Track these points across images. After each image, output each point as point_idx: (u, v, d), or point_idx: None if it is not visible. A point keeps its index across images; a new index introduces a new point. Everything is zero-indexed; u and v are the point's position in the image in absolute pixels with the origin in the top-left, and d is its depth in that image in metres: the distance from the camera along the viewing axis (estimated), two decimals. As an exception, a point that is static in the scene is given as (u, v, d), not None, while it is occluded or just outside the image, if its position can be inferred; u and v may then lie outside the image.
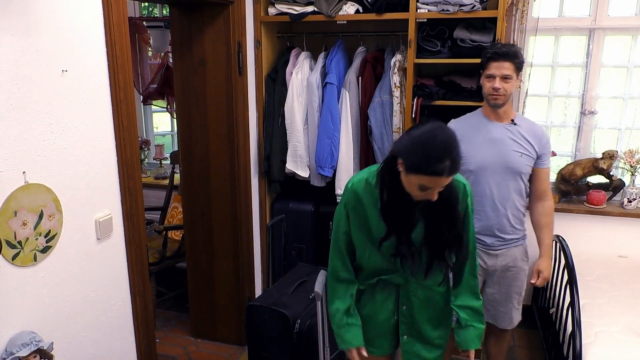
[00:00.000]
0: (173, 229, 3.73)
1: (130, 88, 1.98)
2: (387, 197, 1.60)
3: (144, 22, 4.04)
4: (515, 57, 2.17)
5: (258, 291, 3.27)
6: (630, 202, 3.22)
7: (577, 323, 2.24)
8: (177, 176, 3.68)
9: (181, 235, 3.63)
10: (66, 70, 1.72)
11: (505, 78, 2.17)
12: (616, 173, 3.31)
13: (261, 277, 3.30)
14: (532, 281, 2.37)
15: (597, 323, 2.44)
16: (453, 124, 2.37)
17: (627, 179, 3.28)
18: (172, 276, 3.91)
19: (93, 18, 1.81)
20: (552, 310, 2.78)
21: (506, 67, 2.16)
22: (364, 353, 1.80)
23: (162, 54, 4.08)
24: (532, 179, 2.33)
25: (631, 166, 3.20)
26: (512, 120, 2.27)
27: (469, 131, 2.27)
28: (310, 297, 2.32)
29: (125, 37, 1.93)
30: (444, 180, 1.50)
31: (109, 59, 1.88)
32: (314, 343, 2.23)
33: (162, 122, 4.90)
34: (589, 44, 3.24)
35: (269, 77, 3.10)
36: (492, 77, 2.19)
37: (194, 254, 3.19)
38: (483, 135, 2.27)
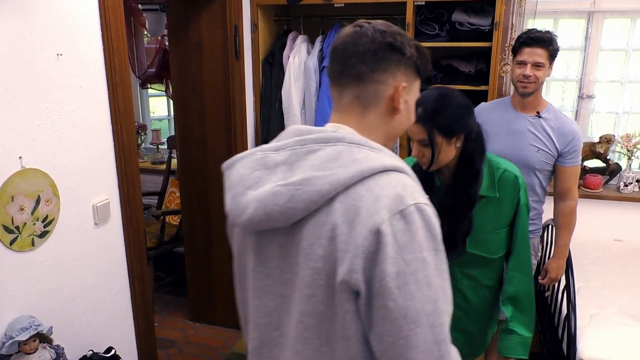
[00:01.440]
0: (171, 213, 3.73)
1: (126, 72, 1.96)
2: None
3: (140, 5, 3.99)
4: (550, 44, 2.09)
5: (256, 275, 3.29)
6: (626, 186, 3.23)
7: (572, 306, 2.27)
8: (174, 161, 3.68)
9: (179, 220, 3.64)
10: (61, 54, 1.70)
11: (537, 65, 2.08)
12: (613, 157, 3.32)
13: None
14: (540, 279, 2.34)
15: (591, 306, 2.47)
16: (483, 105, 2.33)
17: (623, 163, 3.29)
18: (170, 261, 3.92)
19: (88, 1, 1.79)
20: (548, 294, 2.81)
21: (539, 54, 2.07)
22: None
23: (160, 37, 4.05)
24: (555, 176, 2.25)
25: (628, 150, 3.20)
26: (538, 113, 2.18)
27: (493, 117, 2.18)
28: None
29: (120, 20, 1.91)
30: (416, 129, 1.46)
31: (104, 43, 1.86)
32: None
33: (158, 106, 4.88)
34: (587, 28, 3.22)
35: (265, 61, 3.08)
36: (523, 63, 2.10)
37: (192, 238, 3.20)
38: (504, 125, 2.19)
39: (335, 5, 2.87)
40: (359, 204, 0.85)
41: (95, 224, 1.92)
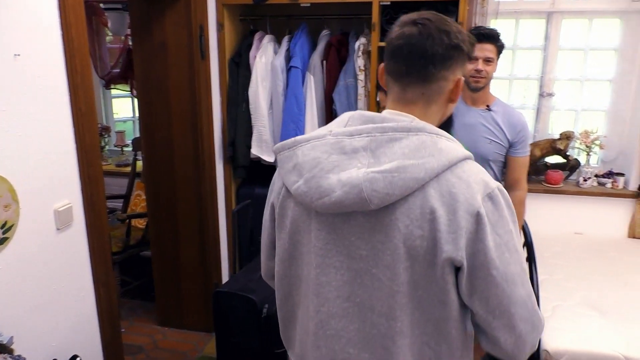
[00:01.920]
0: (136, 217, 3.66)
1: (87, 72, 1.92)
2: None
3: (101, 4, 3.90)
4: (497, 40, 2.17)
5: (225, 277, 3.26)
6: (585, 180, 3.33)
7: (535, 298, 2.33)
8: (139, 163, 3.61)
9: (145, 223, 3.57)
10: (19, 55, 1.65)
11: (487, 60, 2.16)
12: (572, 153, 3.43)
13: (228, 263, 3.29)
14: None
15: (554, 298, 2.54)
16: None
17: (582, 159, 3.40)
18: (136, 265, 3.85)
19: (46, -1, 1.74)
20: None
21: (489, 49, 2.16)
22: None
23: (123, 37, 3.97)
24: (506, 167, 2.33)
25: (587, 146, 3.31)
26: (488, 106, 2.27)
27: None
28: (278, 281, 2.33)
29: (81, 19, 1.86)
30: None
31: (64, 42, 1.81)
32: (283, 327, 2.24)
33: (122, 108, 4.78)
34: (547, 27, 3.32)
35: (232, 61, 3.05)
36: (474, 59, 2.18)
37: (159, 241, 3.15)
38: (456, 119, 2.22)
39: (301, 5, 2.87)
40: (454, 190, 0.99)
41: (58, 229, 1.87)
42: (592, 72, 3.38)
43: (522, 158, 2.31)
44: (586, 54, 3.35)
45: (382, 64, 1.13)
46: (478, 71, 2.17)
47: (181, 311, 3.22)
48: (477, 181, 1.01)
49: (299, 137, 1.09)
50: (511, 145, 2.27)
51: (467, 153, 1.04)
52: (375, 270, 1.04)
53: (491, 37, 2.16)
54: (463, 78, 1.10)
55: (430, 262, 1.01)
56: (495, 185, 1.02)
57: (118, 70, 4.01)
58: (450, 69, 1.06)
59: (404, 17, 1.09)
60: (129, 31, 3.68)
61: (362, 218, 1.03)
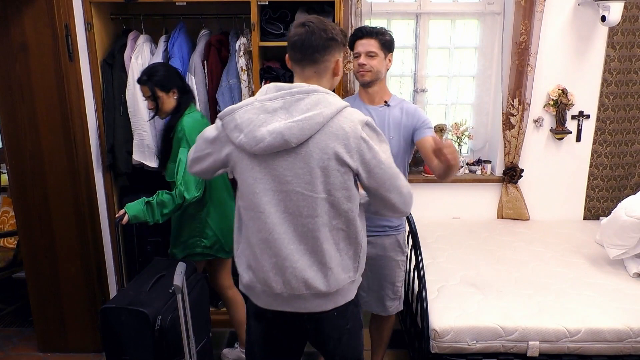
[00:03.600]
0: (5, 235, 3.33)
1: None
2: None
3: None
4: (379, 34, 2.24)
5: (113, 292, 3.07)
6: (458, 169, 3.61)
7: (422, 282, 2.48)
8: (4, 177, 3.28)
9: (16, 242, 3.26)
10: None
11: (370, 55, 2.23)
12: (446, 144, 3.69)
13: (115, 277, 3.10)
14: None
15: (438, 280, 2.73)
16: None
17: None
18: (9, 289, 3.51)
19: None
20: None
21: (370, 44, 2.23)
22: None
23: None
24: (421, 153, 2.30)
25: (458, 137, 3.59)
26: (386, 102, 2.33)
27: None
28: (170, 291, 2.24)
29: None
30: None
31: None
32: (179, 337, 2.16)
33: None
34: (416, 28, 3.54)
35: (105, 62, 2.88)
36: (358, 55, 2.26)
37: (34, 260, 2.88)
38: None
39: (177, 4, 2.78)
40: (344, 126, 1.54)
41: None
42: (458, 69, 3.67)
43: (431, 137, 2.22)
44: (451, 52, 3.62)
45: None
46: (361, 65, 2.25)
47: (65, 333, 2.98)
48: (356, 118, 1.57)
49: (234, 105, 1.59)
50: (416, 129, 2.29)
51: (346, 103, 1.60)
52: (299, 188, 1.56)
53: (370, 32, 2.24)
54: (341, 59, 1.65)
55: (337, 173, 1.55)
56: (367, 118, 1.59)
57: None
58: (330, 54, 1.62)
59: (297, 21, 1.64)
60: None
61: (286, 154, 1.54)
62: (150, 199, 2.37)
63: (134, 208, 2.35)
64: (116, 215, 2.44)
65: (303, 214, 1.57)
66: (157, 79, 2.43)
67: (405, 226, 2.52)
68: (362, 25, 2.50)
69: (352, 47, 2.30)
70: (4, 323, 3.34)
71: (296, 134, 1.50)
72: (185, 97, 2.52)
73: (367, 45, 2.24)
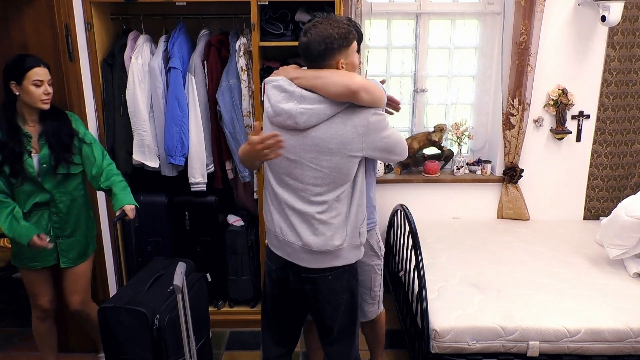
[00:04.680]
0: (5, 235, 3.32)
1: None
2: None
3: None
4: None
5: (113, 292, 3.07)
6: (458, 169, 3.61)
7: (422, 282, 2.47)
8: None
9: (15, 242, 3.25)
10: None
11: None
12: (446, 144, 3.70)
13: (116, 277, 3.10)
14: None
15: (438, 280, 2.73)
16: None
17: (455, 149, 3.68)
18: (9, 289, 3.51)
19: None
20: (402, 274, 3.03)
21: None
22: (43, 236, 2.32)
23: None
24: None
25: (458, 137, 3.59)
26: None
27: None
28: (169, 290, 2.24)
29: None
30: None
31: None
32: (177, 337, 2.16)
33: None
34: (416, 28, 3.54)
35: (105, 62, 2.88)
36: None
37: (33, 261, 2.87)
38: None
39: (177, 4, 2.78)
40: (353, 115, 1.77)
41: None
42: (458, 69, 3.66)
43: None
44: (451, 52, 3.62)
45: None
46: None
47: (65, 333, 2.98)
48: (365, 109, 1.78)
49: (268, 78, 1.88)
50: None
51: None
52: (304, 160, 1.81)
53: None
54: (343, 59, 1.81)
55: (343, 155, 1.78)
56: (375, 109, 1.79)
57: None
58: (330, 59, 1.80)
59: (306, 25, 1.82)
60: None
61: (297, 132, 1.79)
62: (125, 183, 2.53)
63: (130, 198, 2.48)
64: (116, 214, 2.44)
65: (304, 181, 1.86)
66: None
67: (376, 230, 2.34)
68: (366, 27, 2.45)
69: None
70: (4, 323, 3.35)
71: (305, 120, 1.78)
72: None
73: None
